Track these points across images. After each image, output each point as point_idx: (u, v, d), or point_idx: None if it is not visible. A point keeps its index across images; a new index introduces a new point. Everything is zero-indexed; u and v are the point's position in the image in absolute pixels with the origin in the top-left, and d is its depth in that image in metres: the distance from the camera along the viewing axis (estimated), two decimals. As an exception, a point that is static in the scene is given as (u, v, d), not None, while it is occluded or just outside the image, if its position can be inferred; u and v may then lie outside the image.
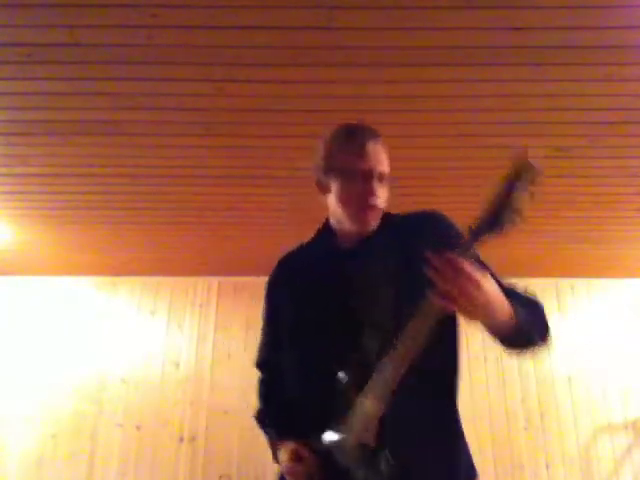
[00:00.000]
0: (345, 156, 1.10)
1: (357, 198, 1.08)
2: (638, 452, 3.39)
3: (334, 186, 1.11)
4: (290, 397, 1.15)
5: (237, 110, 2.13)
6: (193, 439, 3.44)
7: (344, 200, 1.09)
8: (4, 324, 3.75)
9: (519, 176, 0.90)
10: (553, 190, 2.67)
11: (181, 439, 3.45)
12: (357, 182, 1.07)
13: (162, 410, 3.51)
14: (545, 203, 2.79)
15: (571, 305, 3.77)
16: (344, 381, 1.01)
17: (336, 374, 1.02)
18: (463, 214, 2.98)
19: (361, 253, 1.11)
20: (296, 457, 1.03)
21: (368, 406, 0.95)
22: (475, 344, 3.64)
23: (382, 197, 1.09)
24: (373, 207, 1.08)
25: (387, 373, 0.93)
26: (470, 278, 0.85)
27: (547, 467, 3.35)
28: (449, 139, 2.30)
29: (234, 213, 2.95)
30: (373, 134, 1.14)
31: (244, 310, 3.75)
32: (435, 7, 1.68)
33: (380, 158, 1.10)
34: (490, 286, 0.89)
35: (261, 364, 1.30)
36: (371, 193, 1.07)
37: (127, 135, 2.27)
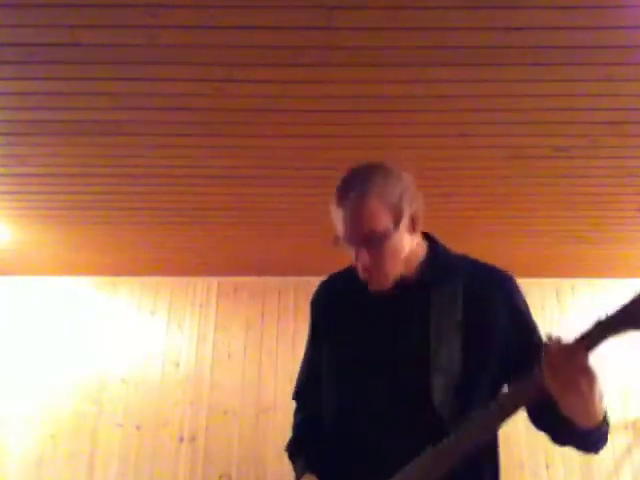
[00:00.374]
0: (334, 219, 1.01)
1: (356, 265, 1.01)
2: (638, 452, 3.39)
3: None
4: (331, 434, 1.07)
5: (237, 110, 2.13)
6: (193, 439, 3.44)
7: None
8: (4, 324, 3.75)
9: None
10: (553, 190, 2.67)
11: (181, 439, 3.45)
12: (346, 246, 1.00)
13: (162, 410, 3.51)
14: (545, 203, 2.79)
15: (571, 305, 3.77)
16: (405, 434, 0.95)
17: (391, 420, 0.97)
18: (463, 214, 3.00)
19: (419, 294, 1.05)
20: None
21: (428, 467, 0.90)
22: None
23: (375, 259, 0.98)
24: (365, 274, 1.00)
25: (464, 440, 0.90)
26: (587, 371, 0.84)
27: (547, 467, 3.35)
28: (449, 139, 2.30)
29: (234, 213, 2.95)
30: (350, 191, 0.97)
31: (244, 310, 3.75)
32: (435, 7, 1.68)
33: (359, 221, 0.96)
34: (598, 387, 0.86)
35: (300, 394, 1.22)
36: (356, 259, 0.98)
37: (127, 135, 2.27)
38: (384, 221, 0.96)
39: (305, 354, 1.23)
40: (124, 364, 3.64)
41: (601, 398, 0.88)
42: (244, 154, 2.41)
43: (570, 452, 3.44)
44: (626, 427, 3.45)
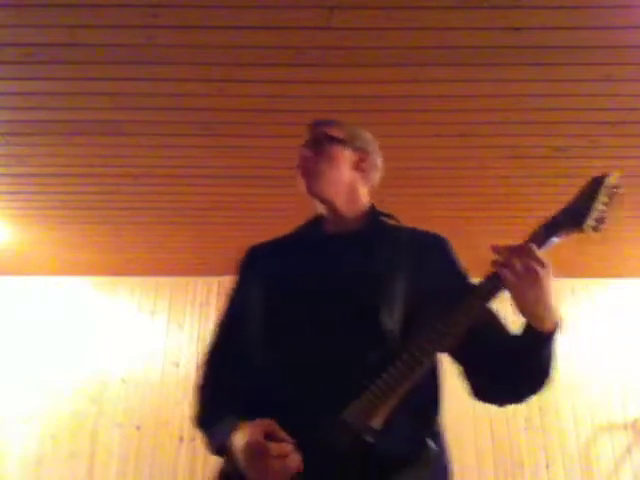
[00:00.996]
0: None
1: None
2: (638, 452, 3.39)
3: None
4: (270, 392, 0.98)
5: (237, 110, 2.13)
6: (193, 439, 3.44)
7: None
8: (4, 324, 3.75)
9: (599, 186, 0.96)
10: (553, 190, 2.67)
11: (181, 439, 3.45)
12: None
13: (162, 410, 3.51)
14: (545, 203, 2.79)
15: (571, 305, 3.77)
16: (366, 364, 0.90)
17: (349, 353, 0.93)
18: (463, 214, 3.00)
19: (362, 240, 1.11)
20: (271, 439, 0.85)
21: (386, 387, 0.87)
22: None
23: (315, 158, 1.15)
24: (300, 170, 1.15)
25: (408, 362, 0.88)
26: (540, 260, 0.87)
27: (547, 467, 3.35)
28: (449, 139, 2.30)
29: (234, 213, 2.95)
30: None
31: (244, 310, 3.74)
32: (435, 7, 1.68)
33: (319, 126, 1.21)
34: (552, 282, 0.89)
35: (220, 351, 1.13)
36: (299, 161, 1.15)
37: (127, 135, 2.27)
38: (337, 133, 1.18)
39: (225, 317, 1.17)
40: (124, 364, 3.64)
41: (553, 296, 0.90)
42: (244, 154, 2.41)
43: (570, 452, 3.41)
44: (626, 427, 3.45)
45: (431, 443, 0.94)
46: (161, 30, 1.76)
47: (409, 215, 3.18)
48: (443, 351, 0.94)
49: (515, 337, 0.96)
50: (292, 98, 2.06)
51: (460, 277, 1.11)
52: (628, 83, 1.97)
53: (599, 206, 0.95)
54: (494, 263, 0.90)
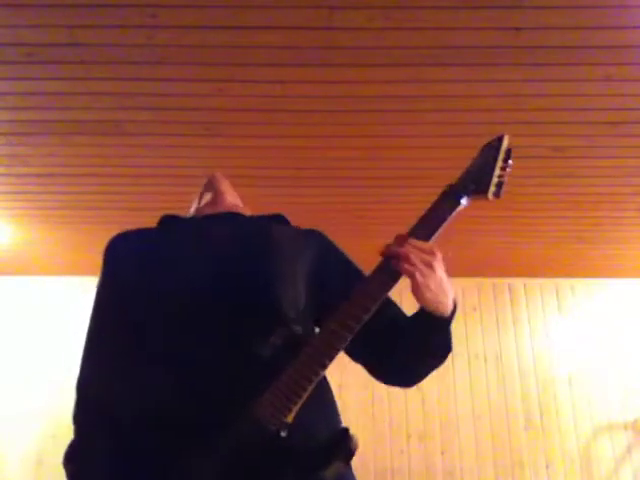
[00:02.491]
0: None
1: None
2: (638, 452, 3.39)
3: None
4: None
5: (237, 110, 2.13)
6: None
7: None
8: (4, 324, 3.75)
9: (498, 151, 0.99)
10: (553, 190, 2.67)
11: (181, 439, 3.45)
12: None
13: (162, 410, 3.51)
14: (545, 203, 2.79)
15: (571, 305, 3.77)
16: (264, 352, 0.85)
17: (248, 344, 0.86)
18: (463, 214, 2.99)
19: (242, 220, 1.18)
20: None
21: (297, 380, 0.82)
22: (475, 344, 3.64)
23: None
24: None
25: (314, 354, 0.83)
26: (430, 250, 0.89)
27: (547, 467, 3.35)
28: (449, 139, 2.30)
29: (234, 213, 2.95)
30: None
31: (244, 310, 3.74)
32: (435, 7, 1.68)
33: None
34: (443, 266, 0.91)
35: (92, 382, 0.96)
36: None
37: (127, 135, 2.27)
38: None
39: (94, 312, 1.07)
40: (124, 364, 3.64)
41: (448, 281, 0.91)
42: (244, 154, 2.41)
43: (570, 452, 3.42)
44: (626, 427, 3.45)
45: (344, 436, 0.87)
46: (161, 30, 1.76)
47: (409, 215, 3.17)
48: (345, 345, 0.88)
49: (412, 322, 0.95)
50: (292, 98, 2.06)
51: (344, 265, 1.12)
52: (628, 83, 1.97)
53: (497, 171, 0.98)
54: (386, 252, 0.90)
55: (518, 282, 3.80)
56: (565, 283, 3.82)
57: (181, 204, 2.82)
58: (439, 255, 0.89)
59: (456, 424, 3.41)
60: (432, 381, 3.51)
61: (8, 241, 3.28)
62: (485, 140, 2.38)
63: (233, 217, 1.21)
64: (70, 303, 3.81)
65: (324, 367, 0.83)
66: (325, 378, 0.98)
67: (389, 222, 2.99)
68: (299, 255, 1.07)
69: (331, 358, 0.83)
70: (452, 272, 3.26)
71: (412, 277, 0.87)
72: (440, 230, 0.93)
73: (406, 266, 0.86)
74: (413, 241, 0.90)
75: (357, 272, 1.08)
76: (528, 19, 1.72)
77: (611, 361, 3.60)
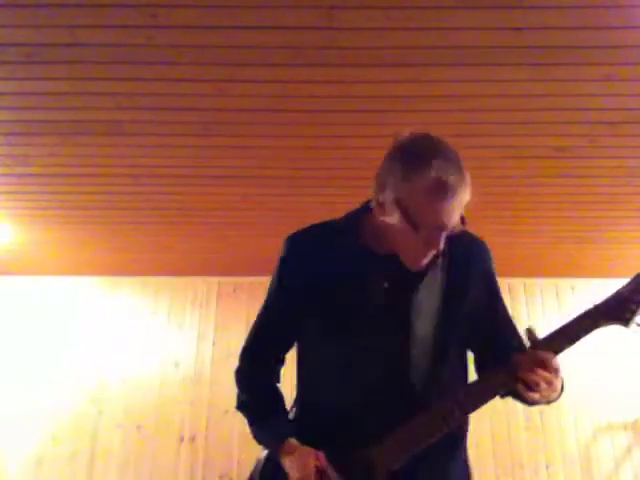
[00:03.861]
0: (425, 208, 0.94)
1: (421, 245, 0.96)
2: (638, 452, 3.39)
3: (397, 220, 0.96)
4: (323, 398, 1.06)
5: (237, 110, 2.13)
6: (193, 439, 3.44)
7: (405, 244, 0.98)
8: (4, 324, 3.75)
9: None
10: (553, 190, 2.67)
11: (181, 439, 3.45)
12: (426, 232, 0.94)
13: (162, 410, 3.51)
14: (545, 203, 2.79)
15: (571, 305, 3.77)
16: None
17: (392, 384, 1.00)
18: (463, 214, 2.94)
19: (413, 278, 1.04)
20: (320, 473, 0.95)
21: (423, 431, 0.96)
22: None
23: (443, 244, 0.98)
24: (431, 256, 0.99)
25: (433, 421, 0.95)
26: (556, 370, 0.94)
27: (547, 467, 3.35)
28: (449, 139, 2.29)
29: (234, 213, 2.95)
30: (461, 186, 1.01)
31: (244, 310, 3.74)
32: (435, 7, 1.68)
33: (456, 213, 1.00)
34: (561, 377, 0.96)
35: (255, 352, 1.17)
36: (436, 245, 0.95)
37: (127, 135, 2.27)
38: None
39: (266, 315, 1.17)
40: (124, 364, 3.64)
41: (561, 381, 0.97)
42: (244, 154, 2.41)
43: (570, 452, 3.40)
44: (626, 427, 3.45)
45: None
46: (161, 30, 1.76)
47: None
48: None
49: None
50: (292, 98, 2.06)
51: (492, 296, 1.13)
52: (628, 83, 1.97)
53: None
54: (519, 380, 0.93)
55: (518, 282, 3.79)
56: (565, 283, 3.82)
57: (181, 204, 2.84)
58: (559, 371, 0.94)
59: (456, 424, 3.40)
60: (432, 381, 3.51)
61: (8, 241, 3.27)
62: (485, 140, 2.37)
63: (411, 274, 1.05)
64: (70, 303, 3.81)
65: (437, 436, 0.94)
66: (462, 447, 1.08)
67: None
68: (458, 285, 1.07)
69: (445, 431, 0.94)
70: (452, 272, 3.12)
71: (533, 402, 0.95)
72: (571, 346, 0.98)
73: (530, 394, 0.92)
74: (542, 355, 0.94)
75: (503, 312, 1.14)
76: (528, 19, 1.72)
77: (611, 361, 3.59)
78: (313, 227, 1.19)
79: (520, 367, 0.92)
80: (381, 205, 0.99)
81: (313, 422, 1.05)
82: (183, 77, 1.96)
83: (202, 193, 2.74)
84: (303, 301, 1.08)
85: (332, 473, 0.94)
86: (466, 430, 1.10)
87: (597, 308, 0.96)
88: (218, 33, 1.77)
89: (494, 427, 3.43)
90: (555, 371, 0.93)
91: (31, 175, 2.56)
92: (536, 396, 0.92)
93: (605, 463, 3.36)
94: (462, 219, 1.00)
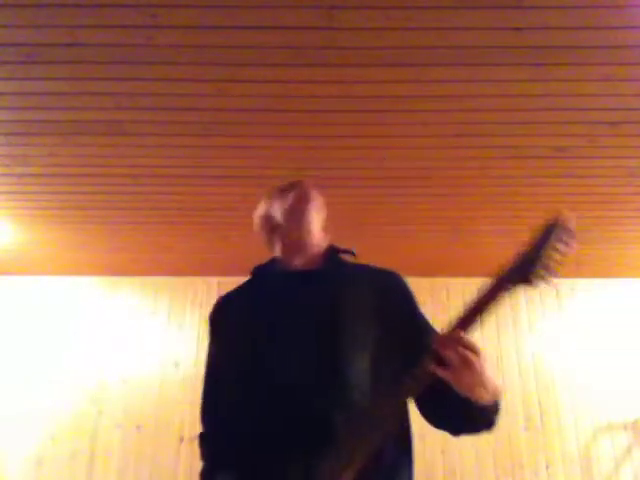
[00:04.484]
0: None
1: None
2: (638, 452, 3.39)
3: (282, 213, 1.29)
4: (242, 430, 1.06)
5: (237, 110, 2.13)
6: (193, 439, 3.44)
7: (292, 220, 1.25)
8: (4, 324, 3.75)
9: (551, 233, 0.90)
10: (553, 190, 2.67)
11: (181, 439, 3.45)
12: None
13: (162, 410, 3.51)
14: (545, 203, 2.79)
15: (571, 305, 3.77)
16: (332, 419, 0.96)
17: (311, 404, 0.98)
18: (464, 214, 2.99)
19: (325, 279, 1.15)
20: None
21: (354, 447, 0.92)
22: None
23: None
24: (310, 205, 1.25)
25: (370, 434, 0.92)
26: (473, 347, 0.91)
27: (547, 467, 3.35)
28: (449, 139, 2.30)
29: (234, 213, 2.95)
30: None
31: (244, 310, 3.74)
32: (435, 7, 1.68)
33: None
34: (487, 362, 0.93)
35: (210, 399, 1.21)
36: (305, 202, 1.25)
37: (127, 135, 2.27)
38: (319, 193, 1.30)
39: (209, 374, 1.23)
40: (124, 364, 3.64)
41: (492, 374, 0.93)
42: (244, 154, 2.41)
43: (570, 452, 3.41)
44: (626, 427, 3.45)
45: None
46: (161, 30, 1.76)
47: (409, 215, 3.20)
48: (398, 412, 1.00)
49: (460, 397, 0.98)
50: (292, 98, 2.06)
51: (417, 318, 1.15)
52: (628, 83, 1.97)
53: (549, 253, 0.89)
54: (431, 353, 0.92)
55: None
56: (565, 283, 3.82)
57: (181, 204, 2.84)
58: (481, 352, 0.91)
59: (456, 424, 3.40)
60: (432, 381, 3.51)
61: (8, 241, 3.28)
62: (485, 140, 2.37)
63: (313, 277, 1.17)
64: (70, 303, 3.82)
65: (374, 442, 0.91)
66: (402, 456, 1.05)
67: (389, 222, 2.99)
68: (377, 304, 1.10)
69: (380, 434, 0.92)
70: (452, 272, 3.27)
71: (446, 377, 0.91)
72: (482, 319, 0.93)
73: (440, 371, 0.91)
74: (455, 335, 0.92)
75: (426, 327, 1.14)
76: (528, 19, 1.72)
77: (611, 361, 3.60)
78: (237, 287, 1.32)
79: (431, 346, 0.91)
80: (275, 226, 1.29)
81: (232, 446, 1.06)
82: (183, 77, 1.96)
83: (202, 193, 2.74)
84: (232, 345, 1.15)
85: None
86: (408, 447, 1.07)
87: (500, 277, 0.93)
88: (218, 33, 1.77)
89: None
90: (468, 347, 0.90)
91: (31, 175, 2.56)
92: (457, 378, 0.89)
93: (605, 463, 3.36)
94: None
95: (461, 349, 0.89)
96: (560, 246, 0.89)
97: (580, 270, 3.67)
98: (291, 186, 1.34)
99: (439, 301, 3.75)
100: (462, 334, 0.91)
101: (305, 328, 1.06)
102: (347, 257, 1.24)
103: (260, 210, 1.39)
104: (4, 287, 3.85)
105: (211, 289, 3.82)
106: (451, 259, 3.46)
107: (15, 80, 1.97)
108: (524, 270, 0.90)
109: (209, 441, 1.18)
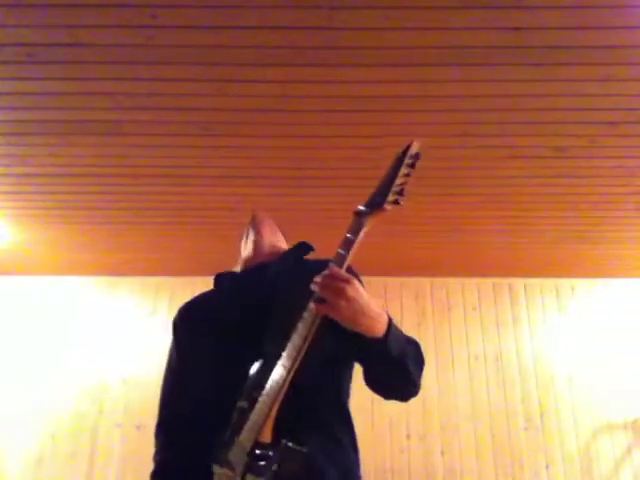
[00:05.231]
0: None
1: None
2: (638, 452, 3.39)
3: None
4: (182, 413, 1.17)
5: (237, 110, 2.13)
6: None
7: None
8: (4, 324, 3.75)
9: (403, 159, 0.96)
10: (553, 190, 2.67)
11: (181, 439, 3.44)
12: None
13: (162, 410, 3.51)
14: (545, 203, 2.79)
15: (571, 305, 3.77)
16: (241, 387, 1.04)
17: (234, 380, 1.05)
18: (463, 214, 2.99)
19: (264, 273, 1.24)
20: None
21: (263, 405, 0.97)
22: (475, 344, 3.64)
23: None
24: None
25: (279, 374, 0.96)
26: (342, 277, 0.92)
27: (547, 467, 3.35)
28: (449, 139, 2.30)
29: (234, 213, 2.95)
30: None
31: (244, 310, 3.74)
32: (435, 7, 1.68)
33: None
34: (361, 288, 0.94)
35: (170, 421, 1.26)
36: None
37: (127, 135, 2.27)
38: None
39: (166, 372, 1.37)
40: (124, 364, 3.64)
41: (369, 299, 0.94)
42: (244, 154, 2.41)
43: (570, 452, 3.42)
44: (626, 427, 3.45)
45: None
46: (161, 30, 1.76)
47: (408, 215, 3.20)
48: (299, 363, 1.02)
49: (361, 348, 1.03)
50: (292, 98, 2.06)
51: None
52: (628, 83, 1.97)
53: (399, 180, 0.97)
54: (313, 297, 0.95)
55: (518, 282, 3.80)
56: (565, 283, 3.82)
57: (181, 204, 2.84)
58: (352, 280, 0.92)
59: (456, 424, 3.40)
60: (432, 381, 3.51)
61: (8, 241, 3.28)
62: (485, 140, 2.38)
63: (260, 270, 1.27)
64: (70, 303, 3.81)
65: (280, 393, 0.95)
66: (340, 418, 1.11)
67: (389, 222, 2.99)
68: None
69: (284, 386, 0.95)
70: (452, 272, 3.28)
71: (324, 311, 0.92)
72: (351, 253, 0.95)
73: (313, 305, 0.93)
74: (325, 273, 0.93)
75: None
76: (528, 19, 1.71)
77: (611, 361, 3.60)
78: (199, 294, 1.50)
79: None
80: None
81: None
82: (183, 77, 1.96)
83: (202, 193, 2.74)
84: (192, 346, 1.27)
85: None
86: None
87: (359, 211, 0.97)
88: (218, 33, 1.77)
89: (494, 427, 3.43)
90: (337, 277, 0.91)
91: (30, 175, 2.56)
92: (335, 311, 0.91)
93: (605, 463, 3.36)
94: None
95: (329, 280, 0.91)
96: (409, 171, 0.97)
97: (580, 270, 3.67)
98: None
99: (439, 301, 3.75)
100: (330, 269, 0.93)
101: (242, 321, 1.15)
102: (307, 254, 1.30)
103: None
104: (4, 287, 3.85)
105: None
106: (451, 259, 3.46)
107: (15, 80, 1.97)
108: (379, 199, 0.96)
109: (168, 429, 1.23)
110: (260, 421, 0.95)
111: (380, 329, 0.96)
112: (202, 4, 1.67)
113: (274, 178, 2.60)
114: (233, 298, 1.26)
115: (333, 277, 0.91)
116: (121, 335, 3.73)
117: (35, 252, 3.47)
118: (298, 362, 0.93)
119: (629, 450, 3.39)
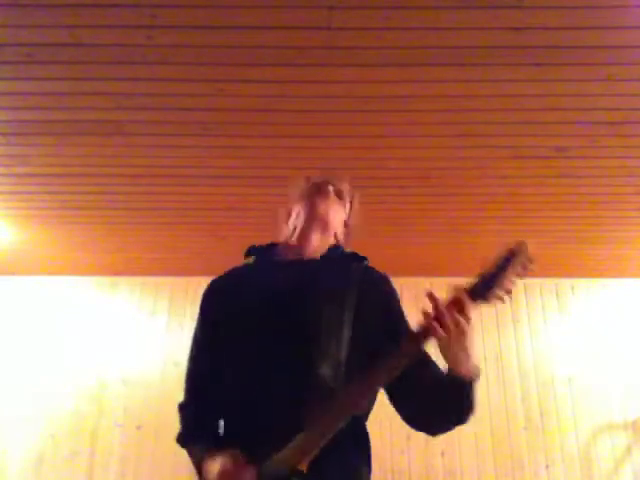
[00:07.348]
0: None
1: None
2: (638, 452, 3.38)
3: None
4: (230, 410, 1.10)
5: (237, 110, 2.13)
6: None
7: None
8: (4, 324, 3.75)
9: (514, 257, 1.00)
10: (553, 190, 2.67)
11: (181, 439, 3.44)
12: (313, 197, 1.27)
13: (162, 410, 3.51)
14: (545, 203, 2.79)
15: (571, 305, 3.77)
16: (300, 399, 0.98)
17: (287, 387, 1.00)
18: (463, 214, 2.99)
19: (312, 267, 1.17)
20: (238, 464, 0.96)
21: (313, 435, 0.94)
22: (475, 344, 3.64)
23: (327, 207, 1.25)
24: (313, 216, 1.25)
25: (341, 406, 0.94)
26: (468, 315, 0.95)
27: (547, 467, 3.35)
28: (449, 139, 2.30)
29: (234, 213, 2.95)
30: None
31: (244, 310, 3.74)
32: (435, 7, 1.68)
33: (335, 180, 1.30)
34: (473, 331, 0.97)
35: (197, 375, 1.23)
36: (313, 206, 1.25)
37: (127, 135, 2.27)
38: (347, 191, 1.30)
39: (196, 351, 1.27)
40: (124, 364, 3.64)
41: (474, 345, 0.99)
42: (244, 154, 2.41)
43: (570, 452, 3.41)
44: (626, 427, 3.45)
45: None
46: (161, 30, 1.76)
47: (408, 215, 3.20)
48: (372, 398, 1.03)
49: (441, 377, 1.04)
50: (292, 98, 2.06)
51: (395, 315, 1.17)
52: (628, 83, 1.97)
53: (510, 277, 1.00)
54: (426, 315, 0.96)
55: (518, 282, 3.79)
56: (565, 283, 3.82)
57: (181, 204, 2.84)
58: (471, 321, 0.96)
59: (456, 424, 3.40)
60: (432, 381, 3.51)
61: (7, 241, 3.28)
62: (485, 140, 2.37)
63: (308, 265, 1.20)
64: (70, 303, 3.81)
65: (337, 427, 0.93)
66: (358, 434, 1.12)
67: (389, 222, 2.99)
68: (359, 297, 1.11)
69: (345, 421, 0.94)
70: (452, 272, 3.27)
71: (438, 337, 0.94)
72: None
73: (437, 327, 0.94)
74: (463, 300, 0.96)
75: (399, 326, 1.14)
76: (528, 19, 1.72)
77: (611, 361, 3.59)
78: (231, 268, 1.37)
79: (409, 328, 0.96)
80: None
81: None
82: (183, 77, 1.96)
83: (202, 193, 2.74)
84: (222, 328, 1.17)
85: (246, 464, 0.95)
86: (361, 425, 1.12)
87: (465, 289, 0.99)
88: (218, 33, 1.77)
89: (494, 427, 3.43)
90: (466, 315, 0.94)
91: (30, 175, 2.56)
92: (448, 342, 0.93)
93: (605, 463, 3.36)
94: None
95: (457, 314, 0.93)
96: (520, 271, 1.00)
97: (580, 270, 3.67)
98: (317, 180, 1.31)
99: (439, 301, 3.74)
100: (462, 299, 0.95)
101: (278, 314, 1.08)
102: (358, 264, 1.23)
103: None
104: (4, 287, 3.85)
105: (211, 289, 3.82)
106: (451, 259, 3.46)
107: (15, 80, 1.97)
108: (485, 289, 0.98)
109: (194, 407, 1.20)
110: (308, 449, 0.92)
111: (467, 377, 1.01)
112: (202, 4, 1.67)
113: (274, 178, 2.59)
114: (274, 282, 1.16)
115: (461, 309, 0.94)
116: (121, 335, 3.73)
117: (35, 252, 3.47)
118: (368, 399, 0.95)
119: (629, 450, 3.39)
